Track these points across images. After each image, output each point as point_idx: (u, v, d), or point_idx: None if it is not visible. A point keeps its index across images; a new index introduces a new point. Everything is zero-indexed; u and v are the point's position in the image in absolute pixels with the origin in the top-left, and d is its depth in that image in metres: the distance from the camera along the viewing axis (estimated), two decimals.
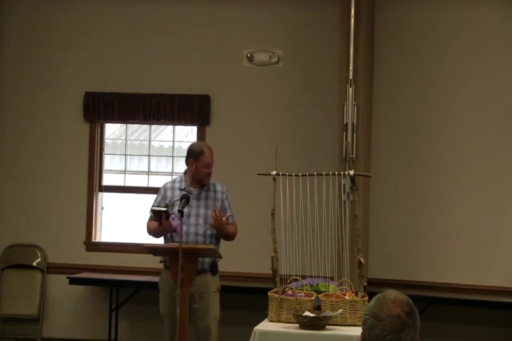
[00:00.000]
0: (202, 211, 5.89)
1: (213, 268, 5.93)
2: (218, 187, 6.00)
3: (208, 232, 5.88)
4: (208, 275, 5.90)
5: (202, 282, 5.84)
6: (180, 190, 5.92)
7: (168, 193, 5.93)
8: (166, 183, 6.08)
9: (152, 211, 5.83)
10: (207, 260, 5.87)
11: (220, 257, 5.84)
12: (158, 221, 5.76)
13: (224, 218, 5.78)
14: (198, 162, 5.89)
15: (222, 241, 6.01)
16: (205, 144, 6.12)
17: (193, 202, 5.84)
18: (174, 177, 7.79)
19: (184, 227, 5.76)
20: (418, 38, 7.36)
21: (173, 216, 5.76)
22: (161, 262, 5.96)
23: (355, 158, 6.79)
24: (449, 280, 7.19)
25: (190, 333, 5.78)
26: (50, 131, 7.91)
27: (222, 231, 5.87)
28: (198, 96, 7.69)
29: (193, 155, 5.93)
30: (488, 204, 7.22)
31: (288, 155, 7.09)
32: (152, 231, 5.94)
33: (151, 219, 5.93)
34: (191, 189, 5.93)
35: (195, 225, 5.87)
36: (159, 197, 5.99)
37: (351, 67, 6.83)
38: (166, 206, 5.86)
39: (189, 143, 7.91)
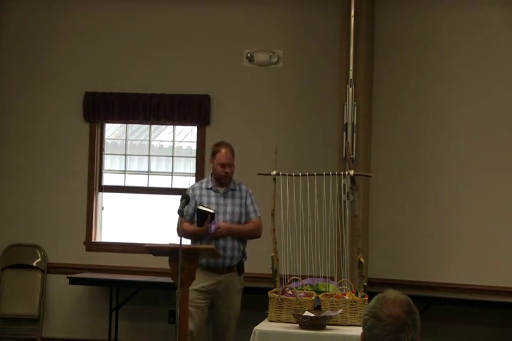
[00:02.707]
0: (229, 209, 6.10)
1: (240, 268, 6.13)
2: (243, 187, 6.23)
3: None
4: (235, 274, 6.10)
5: (228, 280, 6.05)
6: (207, 189, 6.13)
7: (197, 192, 6.13)
8: (194, 184, 6.36)
9: (198, 210, 5.95)
10: (236, 257, 6.06)
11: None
12: (201, 222, 5.93)
13: (218, 225, 5.95)
14: (214, 160, 6.12)
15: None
16: (226, 144, 6.22)
17: (220, 200, 6.10)
18: (175, 177, 7.87)
19: (213, 226, 5.95)
20: (418, 37, 7.36)
21: (215, 219, 5.87)
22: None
23: (355, 158, 6.78)
24: (449, 280, 7.19)
25: (208, 329, 6.02)
26: (50, 131, 7.90)
27: (236, 233, 6.04)
28: (198, 96, 7.68)
29: (212, 153, 6.19)
30: (489, 203, 7.21)
31: (288, 155, 7.09)
32: (187, 233, 6.00)
33: (184, 220, 5.97)
34: (218, 188, 6.14)
35: (223, 223, 6.04)
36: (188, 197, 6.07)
37: (351, 67, 6.83)
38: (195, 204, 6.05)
39: (189, 143, 7.98)
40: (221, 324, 6.11)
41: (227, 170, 6.08)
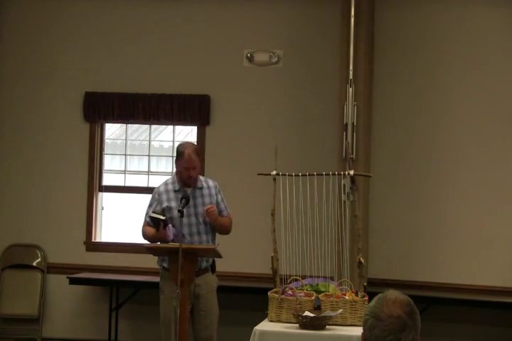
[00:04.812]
0: (200, 209, 5.88)
1: (213, 267, 5.98)
2: (210, 183, 6.00)
3: (209, 229, 5.91)
4: (210, 274, 5.95)
5: (205, 281, 5.89)
6: (175, 191, 5.90)
7: (163, 197, 5.90)
8: (159, 187, 6.01)
9: (150, 217, 5.81)
10: (211, 258, 5.90)
11: (220, 257, 5.83)
12: (156, 228, 5.77)
13: (212, 208, 5.78)
14: (178, 163, 5.89)
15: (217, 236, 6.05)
16: (190, 145, 6.00)
17: (189, 201, 5.83)
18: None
19: (187, 228, 5.82)
20: (418, 37, 7.36)
21: (170, 225, 5.74)
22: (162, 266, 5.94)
23: (355, 158, 6.79)
24: (449, 280, 7.19)
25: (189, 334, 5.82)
26: (50, 131, 7.90)
27: (216, 221, 5.86)
28: (198, 96, 7.69)
29: (177, 155, 5.94)
30: (488, 204, 7.22)
31: (288, 155, 7.08)
32: (148, 237, 5.93)
33: (147, 224, 5.92)
34: (185, 188, 5.91)
35: (196, 224, 5.87)
36: (154, 203, 5.95)
37: (351, 67, 6.84)
38: (163, 210, 5.86)
39: None
40: (203, 326, 5.89)
41: (191, 173, 5.83)
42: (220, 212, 5.95)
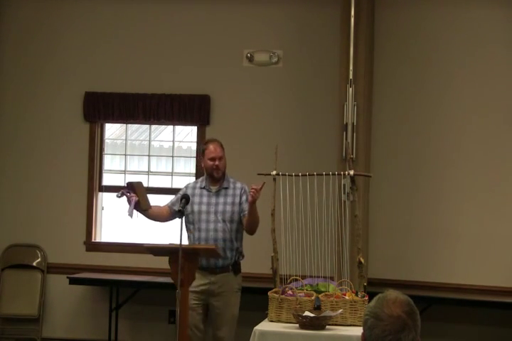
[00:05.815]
0: (221, 208, 6.00)
1: (235, 268, 6.02)
2: (238, 184, 6.10)
3: (228, 228, 5.98)
4: (231, 274, 5.99)
5: (223, 280, 5.95)
6: (201, 188, 6.08)
7: (189, 191, 6.06)
8: (189, 183, 6.29)
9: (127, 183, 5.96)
10: (229, 257, 5.95)
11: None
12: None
13: (260, 187, 5.66)
14: (204, 157, 6.07)
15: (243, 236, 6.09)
16: (212, 140, 6.21)
17: (212, 199, 6.02)
18: (175, 177, 7.87)
19: (204, 224, 5.95)
20: (418, 38, 7.36)
21: (134, 199, 5.77)
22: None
23: (355, 158, 6.79)
24: (449, 280, 7.19)
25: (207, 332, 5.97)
26: (50, 131, 7.90)
27: (252, 204, 5.74)
28: (198, 96, 7.69)
29: (201, 152, 6.16)
30: (488, 204, 7.22)
31: (288, 155, 7.09)
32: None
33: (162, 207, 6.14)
34: (211, 187, 6.07)
35: (214, 222, 5.97)
36: (180, 194, 6.07)
37: (351, 67, 6.83)
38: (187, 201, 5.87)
39: (189, 143, 7.98)
40: (216, 325, 5.98)
41: (217, 162, 5.99)
42: (242, 211, 6.00)
